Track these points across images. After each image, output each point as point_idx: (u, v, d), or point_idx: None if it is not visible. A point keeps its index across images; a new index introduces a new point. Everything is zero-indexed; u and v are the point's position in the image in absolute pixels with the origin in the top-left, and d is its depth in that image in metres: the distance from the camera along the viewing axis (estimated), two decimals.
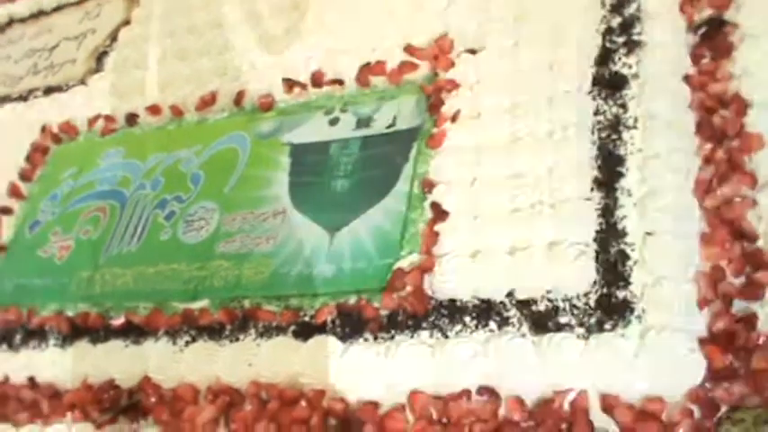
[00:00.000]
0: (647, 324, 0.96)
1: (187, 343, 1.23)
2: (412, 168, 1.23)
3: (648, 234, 1.02)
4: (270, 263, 1.24)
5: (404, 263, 1.13)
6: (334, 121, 1.37)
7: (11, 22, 2.24)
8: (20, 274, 1.53)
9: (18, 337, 1.43)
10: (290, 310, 1.19)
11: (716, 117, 1.10)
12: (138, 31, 1.87)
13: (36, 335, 1.41)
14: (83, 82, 1.84)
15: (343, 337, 1.12)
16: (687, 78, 1.15)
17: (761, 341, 0.92)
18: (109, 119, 1.67)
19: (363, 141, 1.31)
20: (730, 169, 1.05)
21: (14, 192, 1.67)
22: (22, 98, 1.93)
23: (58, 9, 2.16)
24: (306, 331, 1.15)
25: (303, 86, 1.44)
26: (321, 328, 1.14)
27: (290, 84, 1.45)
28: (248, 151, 1.42)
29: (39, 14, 2.20)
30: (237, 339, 1.20)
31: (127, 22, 1.92)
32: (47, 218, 1.58)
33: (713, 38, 1.19)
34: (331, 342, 1.11)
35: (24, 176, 1.70)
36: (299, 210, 1.28)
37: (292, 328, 1.17)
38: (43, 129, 1.76)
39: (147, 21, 1.87)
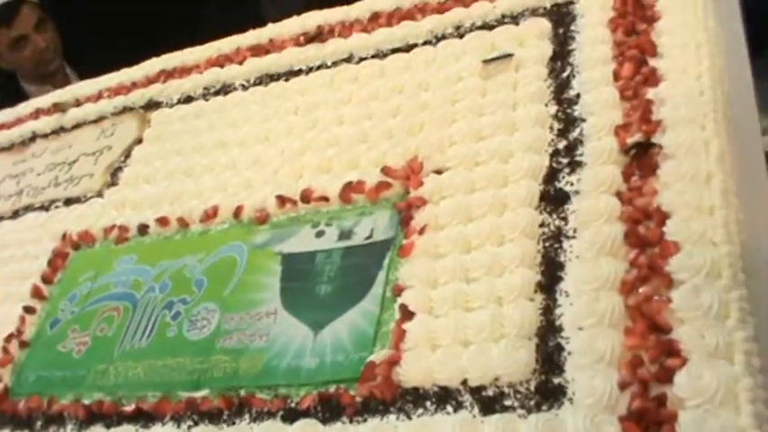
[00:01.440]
0: (577, 406, 1.14)
1: (190, 427, 1.40)
2: (385, 275, 1.41)
3: (580, 329, 1.20)
4: (263, 357, 1.41)
5: (376, 357, 1.30)
6: (319, 234, 1.55)
7: (34, 137, 2.41)
8: (41, 367, 1.69)
9: (39, 423, 1.58)
10: (280, 397, 1.35)
11: (641, 227, 1.28)
12: (149, 149, 2.06)
13: (55, 420, 1.56)
14: (99, 194, 2.01)
15: (324, 421, 1.28)
16: (618, 194, 1.34)
17: (669, 416, 1.10)
18: (122, 228, 1.85)
19: (345, 252, 1.49)
20: (650, 272, 1.22)
21: (37, 293, 1.83)
22: (44, 208, 2.09)
23: (77, 126, 2.34)
24: (292, 416, 1.31)
25: (294, 203, 1.63)
26: (305, 413, 1.31)
27: (282, 200, 1.64)
28: (245, 259, 1.60)
29: (60, 131, 2.37)
30: (234, 423, 1.36)
31: (139, 141, 2.11)
32: (66, 317, 1.75)
33: (641, 158, 1.37)
34: (313, 425, 1.29)
35: (46, 279, 1.85)
36: (288, 311, 1.46)
37: (281, 413, 1.33)
38: (63, 236, 1.92)
39: (157, 140, 2.07)
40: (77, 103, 2.41)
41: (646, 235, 1.27)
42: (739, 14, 1.68)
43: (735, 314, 1.14)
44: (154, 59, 2.35)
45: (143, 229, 1.82)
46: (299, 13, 2.14)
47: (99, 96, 2.38)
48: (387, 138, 1.65)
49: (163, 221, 1.79)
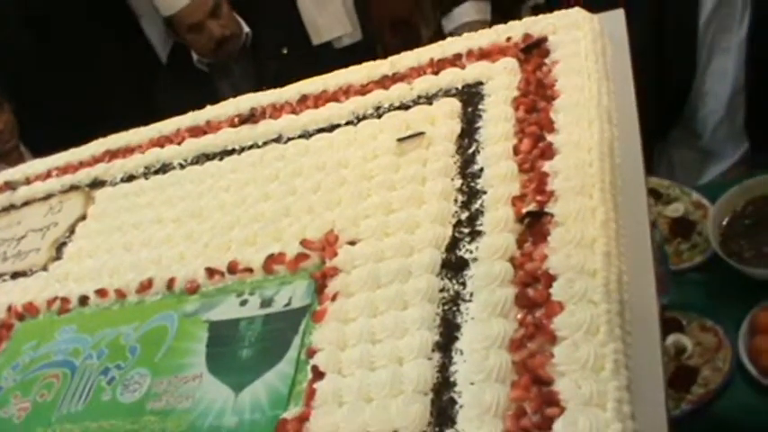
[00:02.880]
0: None
1: None
2: (300, 339, 1.52)
3: (471, 384, 1.32)
4: (188, 417, 1.51)
5: (288, 414, 1.42)
6: (243, 303, 1.67)
7: None
8: None
9: None
10: None
11: (530, 289, 1.41)
12: (92, 225, 2.16)
13: None
14: (44, 268, 2.10)
15: None
16: (512, 260, 1.47)
17: None
18: (65, 300, 1.94)
19: (265, 318, 1.61)
20: (536, 330, 1.34)
21: None
22: None
23: (26, 204, 2.43)
24: None
25: (221, 274, 1.75)
26: None
27: (211, 272, 1.76)
28: (176, 327, 1.71)
29: (10, 208, 2.45)
30: None
31: (84, 218, 2.21)
32: (8, 384, 1.83)
33: (534, 226, 1.50)
34: None
35: None
36: (212, 374, 1.56)
37: None
38: (9, 308, 2.01)
39: (100, 217, 2.17)
40: (28, 182, 2.51)
41: (534, 296, 1.39)
42: (632, 92, 1.84)
43: (609, 366, 1.26)
44: (100, 140, 2.46)
45: (84, 300, 1.92)
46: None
47: (48, 175, 2.48)
48: (307, 212, 1.77)
49: (102, 293, 1.89)
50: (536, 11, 3.16)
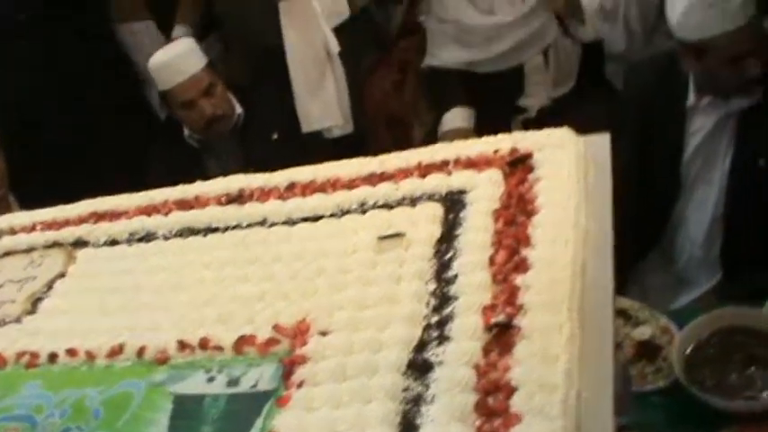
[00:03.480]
0: None
1: None
2: (262, 422, 1.55)
3: None
4: None
5: None
6: (211, 379, 1.69)
7: None
8: None
9: None
10: None
11: (490, 398, 1.45)
12: (70, 284, 2.18)
13: None
14: (18, 320, 2.11)
15: None
16: (476, 367, 1.50)
17: None
18: (34, 355, 1.95)
19: (230, 397, 1.63)
20: None
21: None
22: None
23: (7, 254, 2.45)
24: None
25: (192, 348, 1.78)
26: None
27: (182, 345, 1.79)
28: (142, 395, 1.73)
29: None
30: None
31: (63, 275, 2.24)
32: None
33: (501, 337, 1.55)
34: None
35: None
36: None
37: None
38: None
39: (80, 277, 2.19)
40: (12, 232, 2.53)
41: (494, 406, 1.43)
42: (610, 213, 1.90)
43: None
44: (88, 201, 2.50)
45: (53, 357, 1.93)
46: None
47: (32, 228, 2.51)
48: (283, 298, 1.82)
49: (72, 352, 1.92)
50: (526, 124, 3.28)
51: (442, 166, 2.05)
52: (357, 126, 3.46)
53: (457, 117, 3.26)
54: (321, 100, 3.34)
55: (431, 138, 3.34)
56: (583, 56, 3.25)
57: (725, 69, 2.50)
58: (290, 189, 2.16)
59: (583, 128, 2.97)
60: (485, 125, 3.27)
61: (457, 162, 2.04)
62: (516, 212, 1.83)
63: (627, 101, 2.99)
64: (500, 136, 2.13)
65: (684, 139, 2.69)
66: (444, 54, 3.31)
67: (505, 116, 3.29)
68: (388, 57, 3.60)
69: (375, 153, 3.29)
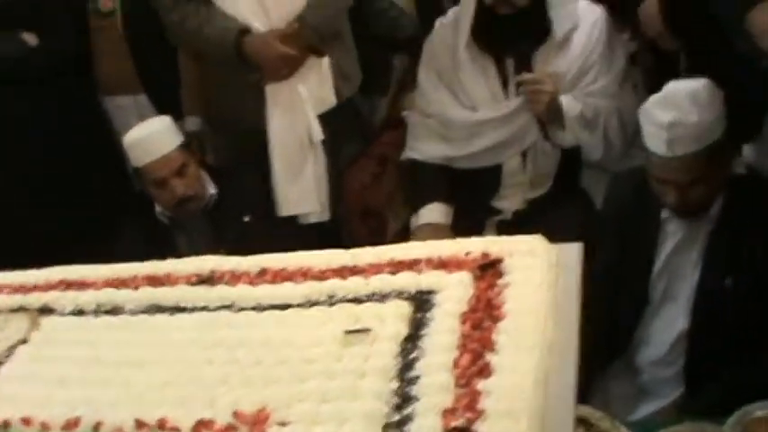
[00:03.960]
0: None
1: None
2: None
3: None
4: None
5: None
6: None
7: None
8: None
9: None
10: None
11: None
12: (32, 351, 2.15)
13: None
14: None
15: None
16: None
17: None
18: None
19: None
20: None
21: None
22: None
23: None
24: None
25: (149, 428, 1.76)
26: None
27: (139, 423, 1.77)
28: None
29: None
30: None
31: (25, 341, 2.22)
32: None
33: None
34: None
35: None
36: None
37: None
38: None
39: (42, 344, 2.17)
40: None
41: None
42: (577, 323, 1.92)
43: None
44: (58, 268, 2.49)
45: (6, 425, 1.90)
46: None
47: None
48: (245, 384, 1.81)
49: (26, 421, 1.89)
50: (501, 225, 3.31)
51: (413, 265, 2.07)
52: (334, 214, 3.48)
53: (433, 212, 3.29)
54: (300, 185, 3.36)
55: (405, 232, 3.36)
56: (560, 161, 3.29)
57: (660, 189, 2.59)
58: (261, 275, 2.16)
59: (556, 233, 3.03)
60: (460, 223, 3.31)
61: (428, 262, 2.06)
62: (483, 317, 1.85)
63: (605, 212, 3.03)
64: (473, 239, 2.15)
65: (655, 251, 2.72)
66: (424, 147, 3.35)
67: (481, 216, 3.32)
68: (369, 148, 3.63)
69: (349, 243, 3.33)
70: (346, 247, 2.20)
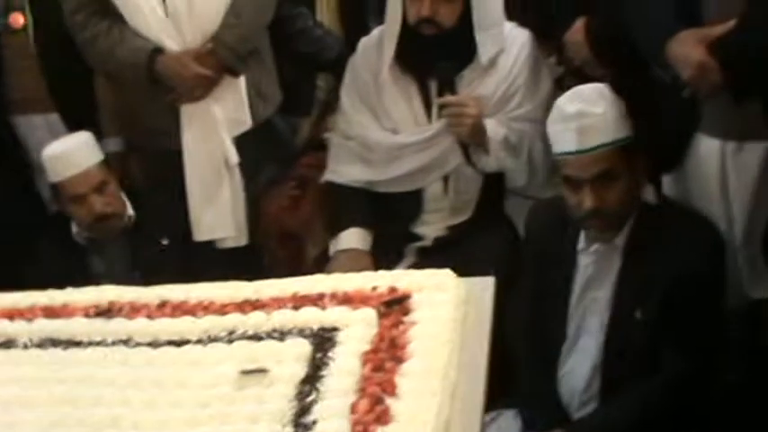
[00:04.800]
0: None
1: None
2: None
3: None
4: None
5: None
6: None
7: None
8: None
9: None
10: None
11: None
12: None
13: None
14: None
15: None
16: None
17: None
18: None
19: None
20: None
21: None
22: None
23: None
24: None
25: None
26: None
27: None
28: None
29: None
30: None
31: None
32: None
33: None
34: None
35: None
36: None
37: None
38: None
39: None
40: None
41: None
42: (485, 362, 1.88)
43: None
44: None
45: None
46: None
47: None
48: (134, 427, 1.74)
49: None
50: (422, 252, 3.25)
51: (317, 300, 2.01)
52: (252, 239, 3.39)
53: (352, 238, 3.21)
54: (215, 209, 3.27)
55: (324, 257, 3.29)
56: (483, 187, 3.23)
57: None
58: (161, 308, 2.09)
59: (478, 262, 2.99)
60: (380, 249, 3.24)
61: (333, 296, 2.01)
62: (386, 357, 1.80)
63: (524, 243, 2.98)
64: (381, 272, 2.11)
65: (572, 288, 2.69)
66: (345, 170, 3.28)
67: (401, 242, 3.25)
68: (289, 171, 3.55)
69: (267, 267, 3.26)
70: (266, 271, 2.14)
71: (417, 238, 3.26)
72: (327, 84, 3.83)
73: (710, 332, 2.59)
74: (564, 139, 2.58)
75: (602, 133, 2.54)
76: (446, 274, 2.07)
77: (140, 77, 3.21)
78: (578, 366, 2.72)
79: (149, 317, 2.07)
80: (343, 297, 1.99)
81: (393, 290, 1.99)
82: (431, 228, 3.25)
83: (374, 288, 2.01)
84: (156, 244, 3.27)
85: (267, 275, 2.26)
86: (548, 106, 2.99)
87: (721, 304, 2.64)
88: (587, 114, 2.54)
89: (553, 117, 2.65)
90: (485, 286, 2.16)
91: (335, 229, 3.25)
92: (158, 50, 3.19)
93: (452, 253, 3.15)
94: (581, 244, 2.69)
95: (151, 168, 3.49)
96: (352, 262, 3.13)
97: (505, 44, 3.19)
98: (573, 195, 2.59)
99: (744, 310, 2.84)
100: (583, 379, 2.72)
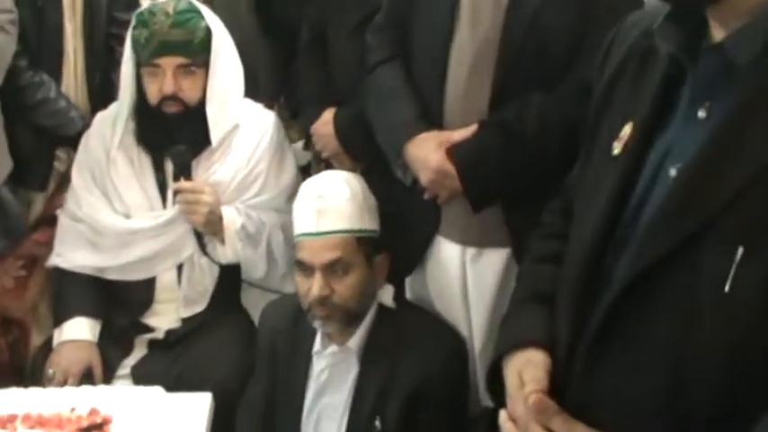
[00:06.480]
0: None
1: None
2: None
3: None
4: None
5: None
6: None
7: None
8: None
9: None
10: None
11: None
12: None
13: None
14: None
15: None
16: None
17: None
18: None
19: None
20: None
21: None
22: None
23: None
24: None
25: None
26: None
27: None
28: None
29: None
30: None
31: None
32: None
33: None
34: None
35: None
36: None
37: None
38: None
39: None
40: None
41: None
42: None
43: None
44: None
45: None
46: None
47: None
48: None
49: None
50: (153, 345, 3.05)
51: (9, 422, 1.79)
52: None
53: (78, 328, 2.97)
54: None
55: (48, 346, 3.03)
56: (219, 278, 3.07)
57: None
58: None
59: (211, 357, 2.84)
60: (108, 341, 3.02)
61: (26, 418, 1.79)
62: None
63: (259, 344, 2.84)
64: (83, 388, 1.91)
65: (305, 393, 2.58)
66: (71, 255, 3.03)
67: (131, 333, 3.04)
68: (18, 248, 3.27)
69: None
70: None
71: (149, 329, 3.05)
72: (69, 156, 3.56)
73: None
74: (303, 219, 2.52)
75: (340, 219, 2.47)
76: (155, 392, 1.91)
77: None
78: None
79: None
80: (37, 419, 1.79)
81: (94, 412, 1.81)
82: (163, 319, 3.07)
83: (73, 409, 1.81)
84: None
85: None
86: (291, 194, 2.90)
87: (463, 412, 2.59)
88: (328, 197, 2.49)
89: (298, 197, 2.59)
90: (202, 401, 2.01)
91: (59, 317, 3.01)
92: None
93: (185, 347, 2.98)
94: (316, 347, 2.59)
95: None
96: (77, 354, 2.91)
97: (239, 123, 3.04)
98: (304, 282, 2.50)
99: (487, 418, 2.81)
100: None
